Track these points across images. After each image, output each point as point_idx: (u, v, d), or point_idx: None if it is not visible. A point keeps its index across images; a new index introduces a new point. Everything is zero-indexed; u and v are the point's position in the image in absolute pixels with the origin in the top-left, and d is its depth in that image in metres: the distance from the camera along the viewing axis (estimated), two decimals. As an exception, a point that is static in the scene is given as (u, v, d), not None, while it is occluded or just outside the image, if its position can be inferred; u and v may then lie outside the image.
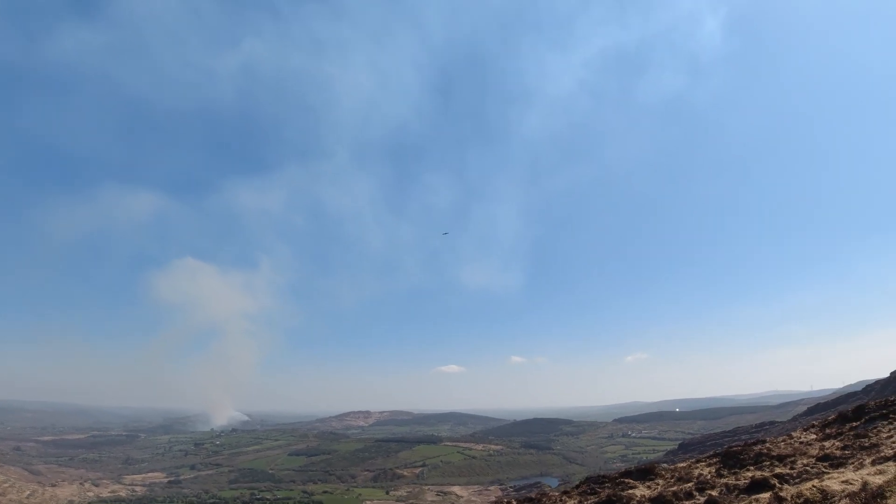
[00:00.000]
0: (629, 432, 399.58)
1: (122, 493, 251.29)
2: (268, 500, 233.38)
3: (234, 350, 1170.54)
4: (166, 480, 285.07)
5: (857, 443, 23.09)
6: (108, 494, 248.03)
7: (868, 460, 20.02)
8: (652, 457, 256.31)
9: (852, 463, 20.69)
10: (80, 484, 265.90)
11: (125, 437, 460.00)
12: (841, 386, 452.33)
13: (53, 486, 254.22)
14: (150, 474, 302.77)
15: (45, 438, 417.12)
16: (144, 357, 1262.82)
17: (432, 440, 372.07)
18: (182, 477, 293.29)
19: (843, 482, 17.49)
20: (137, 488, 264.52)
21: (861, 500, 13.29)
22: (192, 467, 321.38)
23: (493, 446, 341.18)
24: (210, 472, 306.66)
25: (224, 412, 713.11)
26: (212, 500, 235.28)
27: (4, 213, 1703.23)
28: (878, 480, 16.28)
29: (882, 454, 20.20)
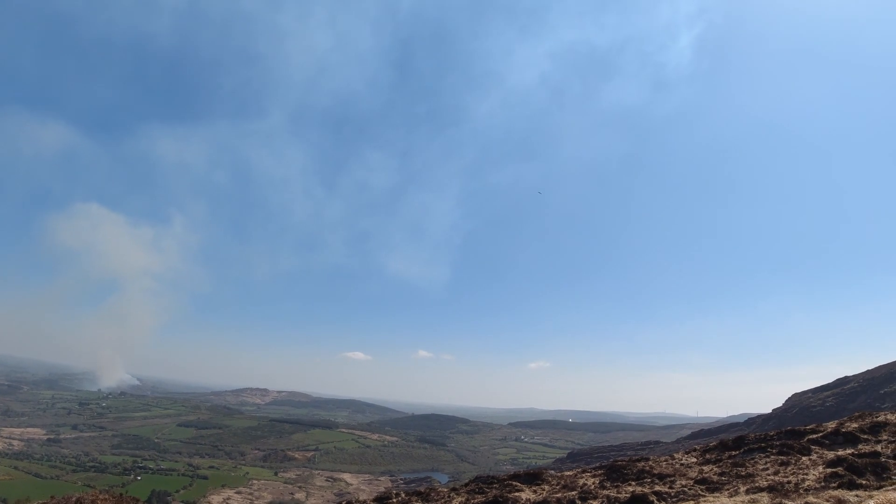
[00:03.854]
0: (522, 437, 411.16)
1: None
2: (151, 469, 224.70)
3: (133, 309, 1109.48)
4: (45, 438, 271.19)
5: (735, 471, 24.10)
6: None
7: (743, 488, 20.85)
8: (541, 463, 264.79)
9: (727, 489, 21.52)
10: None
11: (6, 387, 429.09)
12: (725, 415, 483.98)
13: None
14: (29, 429, 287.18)
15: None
16: (34, 304, 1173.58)
17: (328, 425, 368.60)
18: (62, 436, 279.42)
19: (717, 506, 18.05)
20: (15, 442, 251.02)
21: (735, 527, 13.56)
22: (74, 427, 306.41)
23: (388, 437, 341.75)
24: (93, 434, 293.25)
25: (113, 373, 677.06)
26: (92, 464, 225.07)
27: None
28: (751, 508, 16.85)
29: (756, 484, 21.10)
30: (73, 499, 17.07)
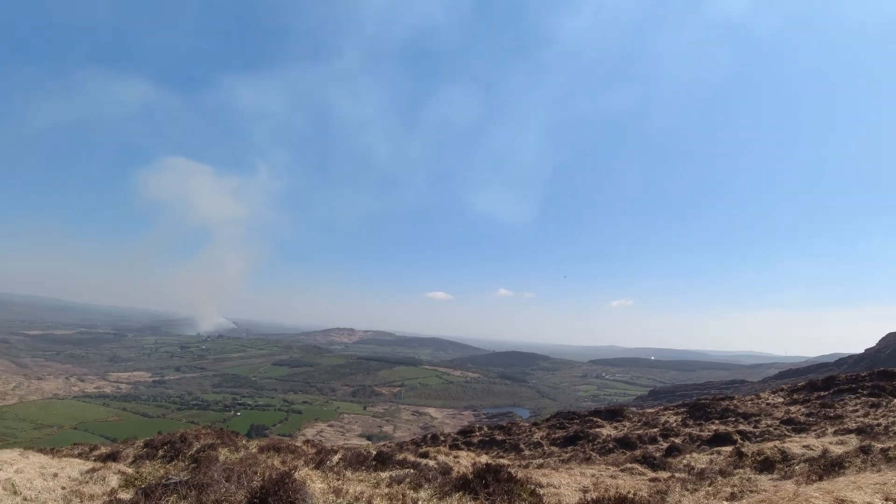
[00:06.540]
0: (603, 374, 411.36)
1: (107, 390, 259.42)
2: (249, 405, 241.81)
3: (225, 256, 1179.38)
4: (151, 380, 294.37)
5: (823, 412, 23.73)
6: (93, 390, 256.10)
7: (830, 430, 20.63)
8: (622, 400, 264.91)
9: (815, 430, 21.35)
10: (66, 378, 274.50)
11: (112, 335, 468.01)
12: (814, 355, 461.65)
13: (39, 379, 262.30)
14: (135, 373, 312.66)
15: (33, 333, 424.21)
16: (132, 256, 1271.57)
17: (412, 362, 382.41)
18: (167, 378, 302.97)
19: (803, 447, 18.08)
20: (122, 386, 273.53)
21: (820, 467, 13.71)
22: (177, 369, 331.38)
23: (470, 374, 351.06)
24: (194, 374, 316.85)
25: (211, 318, 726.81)
26: (195, 402, 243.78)
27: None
28: (838, 450, 16.81)
29: (845, 426, 20.80)
30: (178, 434, 19.35)
